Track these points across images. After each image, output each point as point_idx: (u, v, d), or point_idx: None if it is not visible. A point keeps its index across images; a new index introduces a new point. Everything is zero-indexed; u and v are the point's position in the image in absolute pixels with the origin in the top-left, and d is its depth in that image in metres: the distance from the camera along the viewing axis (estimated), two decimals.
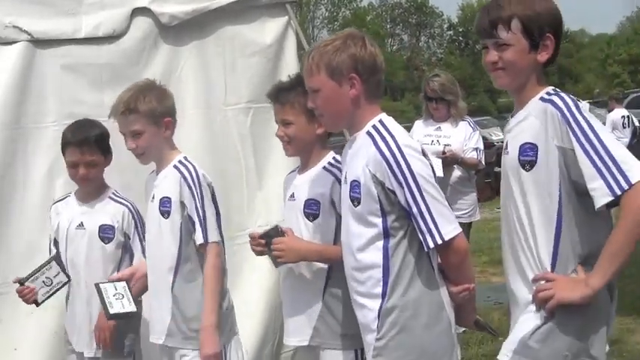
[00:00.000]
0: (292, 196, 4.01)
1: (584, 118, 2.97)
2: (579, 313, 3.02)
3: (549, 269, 3.11)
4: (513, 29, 3.11)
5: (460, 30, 78.46)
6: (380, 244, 3.39)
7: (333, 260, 3.77)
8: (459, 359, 3.55)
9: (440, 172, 7.35)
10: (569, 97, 3.06)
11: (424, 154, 3.42)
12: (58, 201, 4.84)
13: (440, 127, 7.88)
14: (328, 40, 3.56)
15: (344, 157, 3.64)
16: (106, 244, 4.63)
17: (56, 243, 4.74)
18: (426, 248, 3.34)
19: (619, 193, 2.90)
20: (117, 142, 4.66)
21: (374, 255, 3.40)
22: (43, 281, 4.51)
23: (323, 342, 3.88)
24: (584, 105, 3.05)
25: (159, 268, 4.31)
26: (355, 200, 3.43)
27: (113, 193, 4.77)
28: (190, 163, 4.28)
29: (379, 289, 3.40)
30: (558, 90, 3.15)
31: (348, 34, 3.59)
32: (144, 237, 4.62)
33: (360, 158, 3.41)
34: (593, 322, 3.07)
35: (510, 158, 3.18)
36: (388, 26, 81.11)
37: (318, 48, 3.51)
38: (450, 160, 7.52)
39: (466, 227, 7.84)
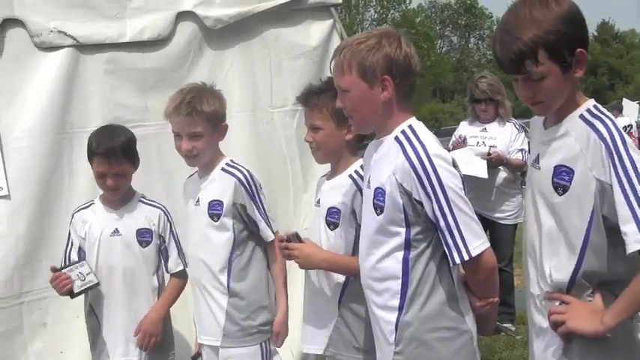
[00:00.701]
0: (318, 202, 3.96)
1: (628, 155, 2.76)
2: (597, 345, 2.89)
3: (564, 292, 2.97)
4: (541, 60, 2.83)
5: None
6: (400, 255, 3.25)
7: (344, 271, 3.73)
8: None
9: (485, 174, 7.29)
10: (615, 127, 2.83)
11: (454, 165, 3.26)
12: (82, 209, 4.77)
13: (486, 129, 7.78)
14: (362, 37, 3.35)
15: (367, 160, 3.51)
16: (144, 247, 4.62)
17: (80, 251, 4.68)
18: (452, 263, 3.20)
19: None
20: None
21: (393, 266, 3.27)
22: (77, 275, 4.51)
23: (337, 353, 3.84)
24: (628, 138, 2.85)
25: (208, 271, 4.29)
26: (378, 208, 3.28)
27: (143, 197, 4.75)
28: (241, 165, 4.28)
29: (397, 302, 3.27)
30: (600, 108, 2.94)
31: (384, 32, 3.39)
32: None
33: (387, 165, 3.26)
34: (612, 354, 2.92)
35: (543, 176, 3.00)
36: (437, 28, 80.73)
37: (351, 46, 3.30)
38: (495, 162, 7.43)
39: (511, 229, 7.82)
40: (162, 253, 4.71)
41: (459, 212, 3.14)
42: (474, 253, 3.15)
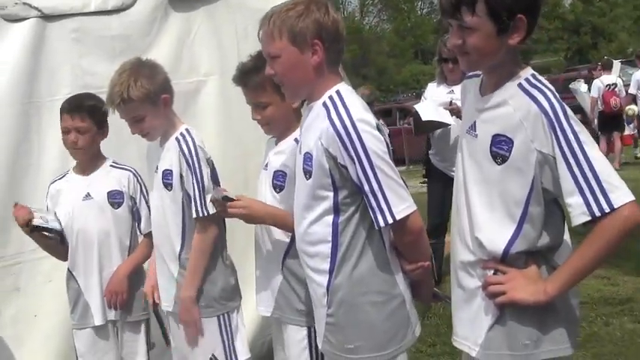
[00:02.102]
0: (266, 165, 3.98)
1: (571, 126, 2.72)
2: (534, 310, 2.86)
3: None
4: (478, 12, 2.78)
5: None
6: (330, 219, 3.26)
7: (284, 224, 3.75)
8: (416, 335, 3.44)
9: (450, 120, 7.38)
10: (555, 98, 2.78)
11: (379, 129, 3.25)
12: (57, 180, 4.88)
13: (453, 91, 7.63)
14: (289, 4, 3.34)
15: (301, 128, 3.52)
16: (116, 209, 4.72)
17: (55, 220, 4.76)
18: (376, 226, 3.19)
19: (598, 214, 2.68)
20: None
21: (323, 230, 3.28)
22: (41, 217, 4.62)
23: (282, 315, 3.88)
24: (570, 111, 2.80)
25: (164, 237, 4.32)
26: (307, 173, 3.30)
27: (113, 162, 4.85)
28: (190, 136, 4.24)
29: (327, 265, 3.29)
30: (538, 77, 2.89)
31: None
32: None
33: (314, 130, 3.27)
34: (551, 316, 2.89)
35: (480, 144, 2.93)
36: None
37: (279, 13, 3.29)
38: (456, 112, 7.32)
39: None
40: (135, 215, 4.81)
41: (382, 175, 3.14)
42: (398, 217, 3.15)
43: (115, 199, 4.73)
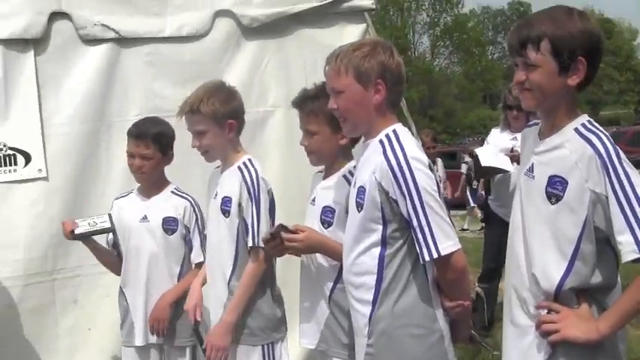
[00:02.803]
0: (313, 200, 4.06)
1: (623, 168, 2.84)
2: (585, 349, 2.94)
3: (551, 298, 3.02)
4: (542, 50, 2.94)
5: None
6: (377, 251, 3.38)
7: (334, 253, 3.81)
8: None
9: (510, 167, 7.35)
10: (609, 142, 2.90)
11: (431, 168, 3.39)
12: (120, 197, 5.04)
13: (516, 137, 7.49)
14: (357, 44, 3.52)
15: (356, 162, 3.66)
16: (169, 235, 4.81)
17: (115, 235, 4.93)
18: (421, 260, 3.30)
19: None
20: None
21: (370, 262, 3.40)
22: (89, 223, 4.78)
23: (328, 348, 3.93)
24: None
25: (218, 262, 4.39)
26: (359, 206, 3.42)
27: (175, 189, 4.96)
28: (253, 167, 4.32)
29: (370, 296, 3.40)
30: (594, 123, 3.01)
31: (377, 41, 3.63)
32: (204, 231, 4.80)
33: (369, 165, 3.40)
34: (601, 355, 2.97)
35: (536, 185, 3.05)
36: (490, 34, 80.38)
37: (347, 52, 3.46)
38: (517, 159, 7.31)
39: None
40: (187, 244, 4.89)
41: (431, 212, 3.25)
42: (443, 252, 3.26)
43: (169, 225, 4.82)
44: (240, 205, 4.24)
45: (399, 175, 3.27)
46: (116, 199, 5.04)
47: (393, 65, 3.45)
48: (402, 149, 3.34)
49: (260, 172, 4.31)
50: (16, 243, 5.29)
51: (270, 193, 4.34)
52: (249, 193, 4.23)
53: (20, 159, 5.33)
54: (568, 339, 2.92)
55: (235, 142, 4.41)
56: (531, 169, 3.11)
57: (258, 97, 5.96)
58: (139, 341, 4.82)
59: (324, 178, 4.07)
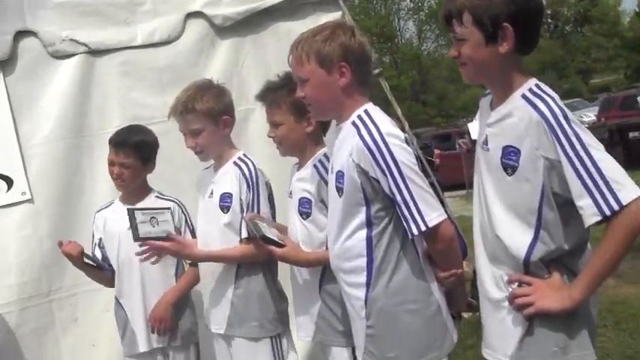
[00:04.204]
0: (290, 193, 4.06)
1: (572, 129, 2.79)
2: (560, 317, 2.89)
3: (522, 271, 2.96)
4: (465, 23, 2.91)
5: (549, 12, 77.19)
6: (363, 233, 3.36)
7: (323, 263, 3.81)
8: (454, 342, 3.47)
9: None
10: (556, 104, 2.85)
11: (407, 142, 3.36)
12: (103, 208, 4.99)
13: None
14: (316, 29, 3.51)
15: (330, 148, 3.64)
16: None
17: (102, 247, 4.89)
18: (410, 236, 3.28)
19: (608, 214, 2.73)
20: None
21: (358, 244, 3.37)
22: (150, 220, 4.44)
23: (324, 338, 3.91)
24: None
25: (213, 264, 4.38)
26: (339, 190, 3.40)
27: (159, 193, 4.91)
28: (250, 160, 4.35)
29: (363, 279, 3.37)
30: (542, 87, 2.94)
31: (337, 23, 3.62)
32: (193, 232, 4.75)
33: (345, 148, 3.37)
34: (575, 322, 2.92)
35: (491, 157, 3.01)
36: None
37: (307, 38, 3.45)
38: None
39: None
40: None
41: (413, 186, 3.23)
42: (430, 224, 3.22)
43: None
44: (240, 199, 4.24)
45: (376, 153, 3.23)
46: (98, 211, 4.99)
47: (355, 45, 3.41)
48: (377, 127, 3.30)
49: (257, 165, 4.32)
50: (8, 268, 5.25)
51: (268, 184, 4.35)
52: (248, 186, 4.23)
53: (2, 184, 5.28)
54: (543, 311, 2.87)
55: (229, 139, 4.42)
56: (486, 142, 3.06)
57: (238, 95, 5.86)
58: (142, 347, 4.78)
59: (299, 169, 4.05)
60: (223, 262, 4.29)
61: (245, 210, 4.22)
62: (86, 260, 4.75)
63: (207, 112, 4.26)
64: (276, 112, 3.96)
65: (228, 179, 4.30)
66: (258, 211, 4.21)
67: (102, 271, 4.89)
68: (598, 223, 2.76)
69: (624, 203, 2.72)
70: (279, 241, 3.89)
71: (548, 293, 2.87)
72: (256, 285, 4.29)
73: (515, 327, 2.96)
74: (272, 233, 3.96)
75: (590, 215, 2.75)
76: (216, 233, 4.34)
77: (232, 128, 4.43)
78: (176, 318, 4.78)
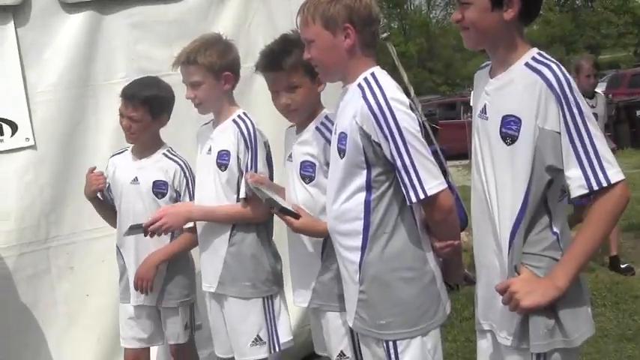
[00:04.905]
0: (290, 156, 4.01)
1: (575, 99, 2.79)
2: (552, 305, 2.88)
3: (506, 250, 2.95)
4: None
5: None
6: (362, 196, 3.35)
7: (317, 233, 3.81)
8: (447, 313, 3.49)
9: None
10: (562, 72, 2.83)
11: (412, 108, 3.33)
12: (117, 154, 5.02)
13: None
14: None
15: (336, 109, 3.59)
16: (159, 199, 4.76)
17: (109, 191, 4.94)
18: (408, 202, 3.26)
19: (596, 188, 2.77)
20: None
21: (356, 207, 3.36)
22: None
23: (322, 304, 3.89)
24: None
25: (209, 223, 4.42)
26: (341, 152, 3.38)
27: (168, 151, 4.89)
28: (249, 119, 4.33)
29: (359, 242, 3.37)
30: (545, 55, 2.93)
31: None
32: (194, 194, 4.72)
33: (349, 110, 3.36)
34: (562, 305, 2.90)
35: (490, 126, 2.99)
36: None
37: (314, 0, 3.42)
38: None
39: None
40: None
41: (415, 153, 3.21)
42: (429, 192, 3.20)
43: (159, 189, 4.78)
44: (238, 157, 4.23)
45: (380, 117, 3.22)
46: (112, 155, 5.03)
47: (360, 7, 3.39)
48: (382, 91, 3.28)
49: (256, 124, 4.30)
50: (8, 213, 5.26)
51: (267, 145, 4.33)
52: (246, 145, 4.22)
53: (7, 129, 5.28)
54: (531, 308, 2.85)
55: (230, 95, 4.41)
56: (484, 110, 3.05)
57: (245, 53, 5.82)
58: (132, 301, 4.84)
59: (298, 132, 4.01)
60: (219, 222, 4.30)
61: (244, 170, 4.22)
62: (98, 195, 4.87)
63: (209, 66, 4.26)
64: (295, 76, 3.86)
65: (226, 136, 4.30)
66: (256, 171, 4.20)
67: (110, 211, 4.97)
68: (582, 196, 2.80)
69: (612, 181, 2.77)
70: (295, 211, 3.81)
71: (530, 289, 2.86)
72: (250, 244, 4.29)
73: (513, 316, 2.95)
74: (283, 202, 3.91)
75: (577, 187, 2.79)
76: (212, 190, 4.35)
77: (235, 85, 4.41)
78: (164, 279, 4.80)
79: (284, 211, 3.81)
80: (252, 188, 4.02)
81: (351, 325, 3.54)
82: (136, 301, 4.82)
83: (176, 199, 4.80)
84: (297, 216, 3.78)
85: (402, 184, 3.25)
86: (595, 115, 7.39)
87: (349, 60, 3.41)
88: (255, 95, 5.76)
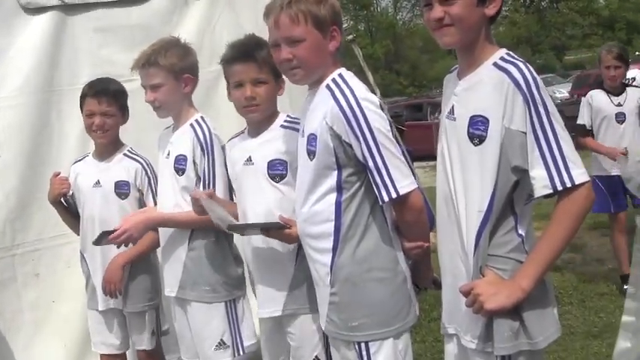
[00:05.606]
0: (249, 159, 3.91)
1: (543, 101, 2.77)
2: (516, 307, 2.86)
3: (472, 252, 2.91)
4: None
5: None
6: (332, 197, 3.31)
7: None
8: (417, 314, 3.45)
9: None
10: (529, 71, 2.81)
11: (382, 108, 3.32)
12: (77, 161, 4.98)
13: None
14: None
15: (303, 112, 3.52)
16: (122, 199, 4.75)
17: (74, 200, 4.89)
18: (380, 202, 3.25)
19: (559, 188, 2.75)
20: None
21: (326, 209, 3.33)
22: None
23: (299, 308, 3.83)
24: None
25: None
26: (311, 154, 3.35)
27: (128, 150, 4.88)
28: (205, 124, 4.28)
29: (330, 244, 3.34)
30: (513, 55, 2.91)
31: None
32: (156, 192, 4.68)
33: (319, 112, 3.32)
34: (527, 307, 2.87)
35: (458, 127, 2.95)
36: None
37: None
38: None
39: None
40: (141, 207, 4.78)
41: (387, 152, 3.20)
42: (401, 191, 3.21)
43: (122, 189, 4.76)
44: (194, 162, 4.20)
45: (351, 117, 3.20)
46: (73, 163, 4.98)
47: (338, 9, 3.41)
48: (352, 91, 3.27)
49: (212, 129, 4.26)
50: None
51: (224, 149, 4.27)
52: (202, 149, 4.18)
53: None
54: (496, 310, 2.81)
55: (189, 98, 4.38)
56: (452, 111, 3.02)
57: (210, 56, 5.82)
58: (100, 306, 4.82)
59: (254, 135, 3.95)
60: (179, 228, 4.27)
61: (201, 175, 4.18)
62: (62, 200, 4.83)
63: (170, 68, 4.23)
64: (263, 71, 3.82)
65: (183, 141, 4.27)
66: (214, 176, 4.16)
67: (73, 218, 4.91)
68: (546, 196, 2.79)
69: (576, 182, 2.75)
70: (279, 222, 3.65)
71: (494, 291, 2.82)
72: (210, 249, 4.27)
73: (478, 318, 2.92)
74: (256, 222, 3.79)
75: (541, 187, 2.78)
76: (170, 194, 4.33)
77: (194, 88, 4.39)
78: (129, 282, 4.77)
79: (268, 227, 3.69)
80: (206, 208, 3.86)
81: (323, 329, 3.49)
82: (104, 306, 4.80)
83: (139, 198, 4.79)
84: (284, 226, 3.64)
85: (373, 184, 3.23)
86: (622, 114, 7.26)
87: (328, 62, 3.39)
88: (221, 99, 5.74)
